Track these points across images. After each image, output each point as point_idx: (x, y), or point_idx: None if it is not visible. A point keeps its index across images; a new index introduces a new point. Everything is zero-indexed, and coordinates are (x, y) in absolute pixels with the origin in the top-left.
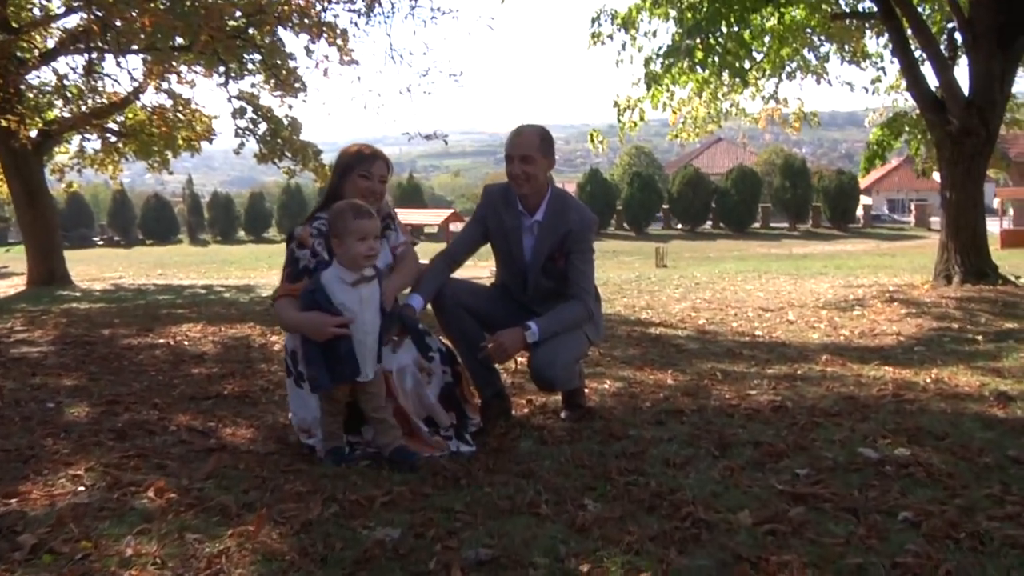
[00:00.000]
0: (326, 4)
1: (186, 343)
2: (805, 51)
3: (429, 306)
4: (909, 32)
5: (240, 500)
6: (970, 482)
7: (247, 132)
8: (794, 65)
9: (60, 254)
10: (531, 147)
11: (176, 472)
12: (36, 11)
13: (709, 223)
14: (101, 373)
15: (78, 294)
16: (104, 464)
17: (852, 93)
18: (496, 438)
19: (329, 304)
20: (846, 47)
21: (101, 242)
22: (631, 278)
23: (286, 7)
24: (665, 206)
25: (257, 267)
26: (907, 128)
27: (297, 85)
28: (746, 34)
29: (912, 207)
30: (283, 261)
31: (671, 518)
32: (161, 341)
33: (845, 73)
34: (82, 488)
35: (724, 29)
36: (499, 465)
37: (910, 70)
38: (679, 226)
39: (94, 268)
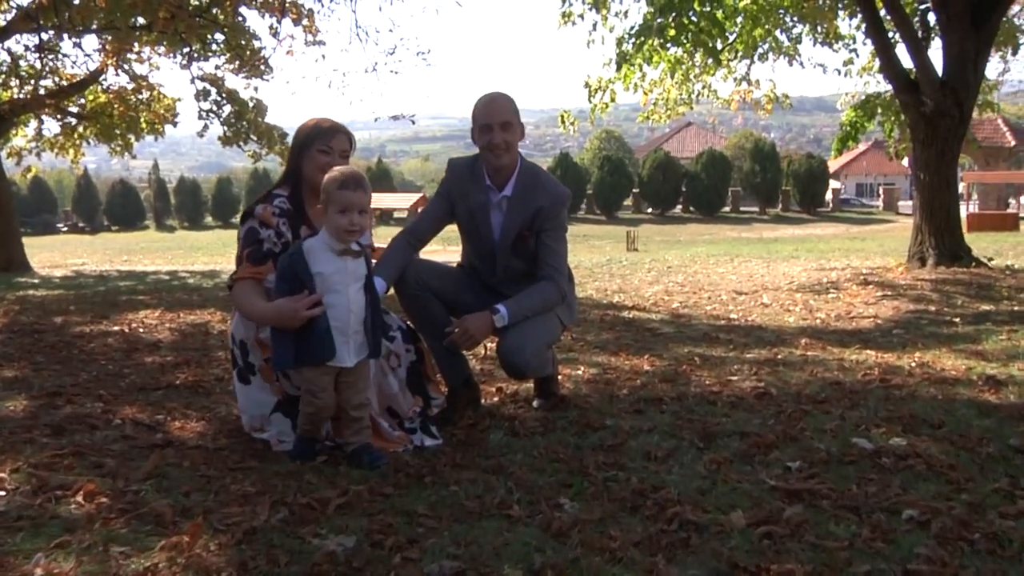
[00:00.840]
0: None
1: (141, 331)
2: (778, 32)
3: (392, 289)
4: (883, 12)
5: (179, 504)
6: (975, 475)
7: (211, 115)
8: (766, 46)
9: (18, 240)
10: (509, 112)
11: (113, 472)
12: None
13: (679, 207)
14: (47, 363)
15: (36, 281)
16: (33, 464)
17: (824, 75)
18: (464, 430)
19: (306, 274)
20: (819, 28)
21: (65, 228)
22: (602, 261)
23: None
24: (635, 190)
25: (224, 253)
26: (880, 110)
27: (262, 67)
28: (719, 14)
29: (880, 191)
30: (244, 232)
31: (656, 520)
32: (115, 329)
33: (817, 55)
34: (2, 494)
35: (696, 8)
36: (467, 460)
37: (884, 51)
38: (649, 210)
39: (57, 255)
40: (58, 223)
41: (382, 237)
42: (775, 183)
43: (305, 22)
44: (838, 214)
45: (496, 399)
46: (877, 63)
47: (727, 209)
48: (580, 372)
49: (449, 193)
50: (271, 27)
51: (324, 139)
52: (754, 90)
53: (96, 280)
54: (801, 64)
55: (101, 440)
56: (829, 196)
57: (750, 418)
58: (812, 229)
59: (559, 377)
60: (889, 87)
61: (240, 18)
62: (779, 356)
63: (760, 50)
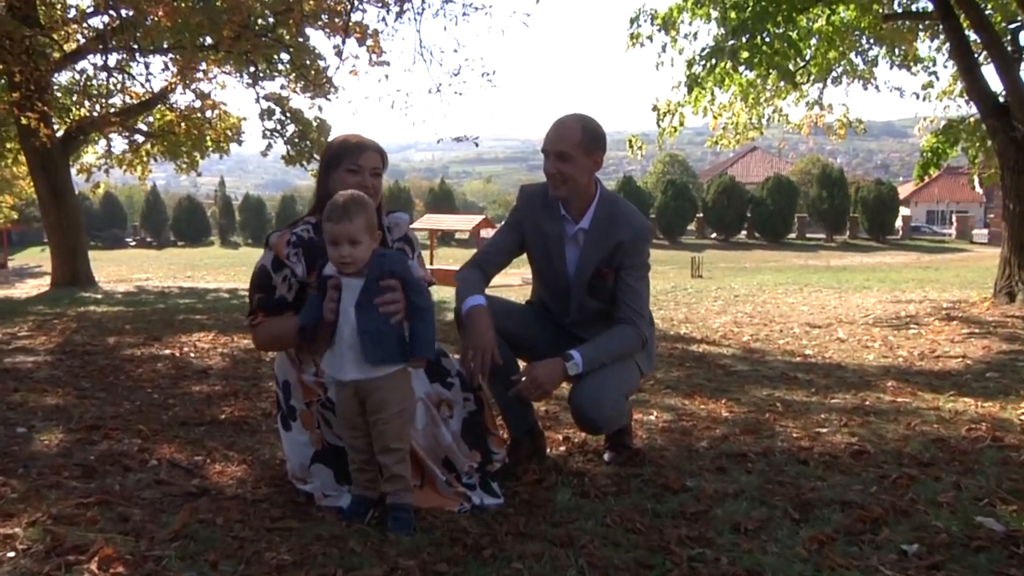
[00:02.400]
0: (356, 3)
1: (192, 355)
2: (852, 55)
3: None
4: (969, 32)
5: None
6: None
7: (274, 134)
8: (840, 69)
9: (84, 255)
10: (570, 142)
11: (138, 528)
12: (66, 10)
13: (744, 233)
14: (92, 390)
15: (99, 296)
16: (53, 516)
17: (901, 99)
18: (528, 487)
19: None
20: (896, 50)
21: (133, 243)
22: (667, 289)
23: (312, 2)
24: (699, 215)
25: None
26: (964, 135)
27: (327, 86)
28: (793, 35)
29: (953, 219)
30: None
31: None
32: (166, 352)
33: (894, 78)
34: (12, 554)
35: (771, 29)
36: (532, 527)
37: (969, 73)
38: (713, 235)
39: (124, 269)
40: (127, 238)
41: (443, 258)
42: (843, 209)
43: (370, 42)
44: (908, 242)
45: (563, 448)
46: (959, 86)
47: (793, 235)
48: (653, 418)
49: (520, 223)
50: (335, 47)
51: (352, 157)
52: (826, 114)
53: (157, 297)
54: (876, 88)
55: (132, 485)
56: (899, 223)
57: (849, 483)
58: (881, 257)
59: (632, 424)
60: (974, 111)
61: (304, 38)
62: (867, 403)
63: (834, 73)
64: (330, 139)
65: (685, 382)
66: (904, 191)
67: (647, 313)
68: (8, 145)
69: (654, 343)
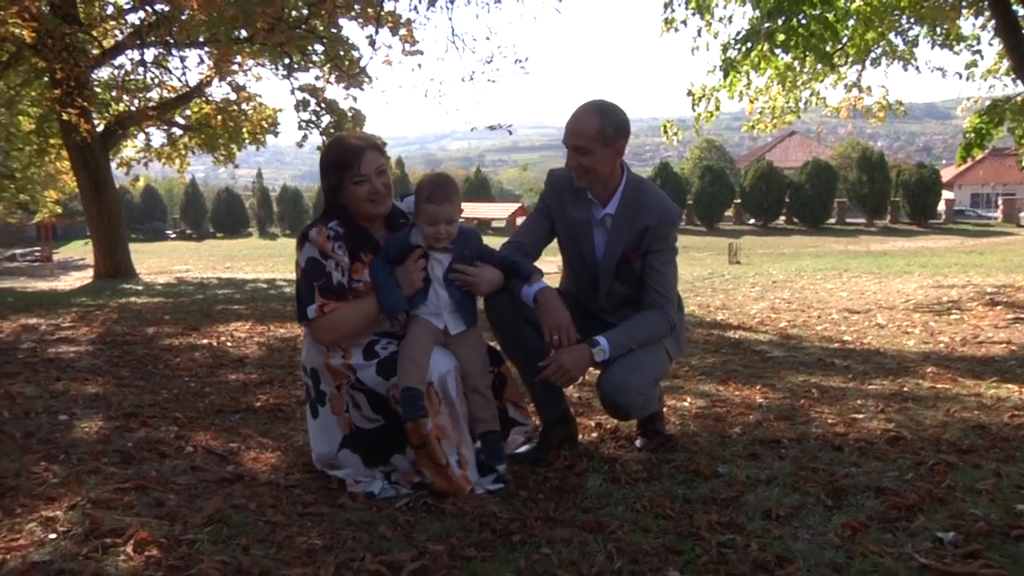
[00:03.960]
0: None
1: (229, 344)
2: (892, 35)
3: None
4: (1017, 8)
5: (235, 561)
6: None
7: (310, 125)
8: (879, 50)
9: (125, 247)
10: (586, 135)
11: (173, 513)
12: (104, 7)
13: (782, 218)
14: (131, 378)
15: (140, 288)
16: (92, 500)
17: (943, 80)
18: (558, 472)
19: (410, 247)
20: (938, 29)
21: (173, 235)
22: (703, 275)
23: None
24: (737, 201)
25: None
26: (1010, 115)
27: (361, 76)
28: (830, 16)
29: (999, 201)
30: (306, 262)
31: None
32: (204, 342)
33: (935, 58)
34: (52, 536)
35: (806, 11)
36: (561, 512)
37: (1016, 50)
38: (751, 221)
39: (164, 260)
40: (167, 230)
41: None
42: (883, 194)
43: (403, 31)
44: (951, 226)
45: (595, 435)
46: (1005, 64)
47: (832, 221)
48: (687, 404)
49: (548, 208)
50: (368, 37)
51: (352, 169)
52: (865, 97)
53: (196, 288)
54: (917, 68)
55: (168, 471)
56: (942, 207)
57: (884, 469)
58: (924, 242)
59: (664, 410)
60: (1021, 89)
61: (338, 28)
62: (905, 388)
63: (873, 55)
64: (324, 149)
65: (720, 368)
66: (948, 174)
67: (675, 297)
68: (51, 141)
69: (684, 328)
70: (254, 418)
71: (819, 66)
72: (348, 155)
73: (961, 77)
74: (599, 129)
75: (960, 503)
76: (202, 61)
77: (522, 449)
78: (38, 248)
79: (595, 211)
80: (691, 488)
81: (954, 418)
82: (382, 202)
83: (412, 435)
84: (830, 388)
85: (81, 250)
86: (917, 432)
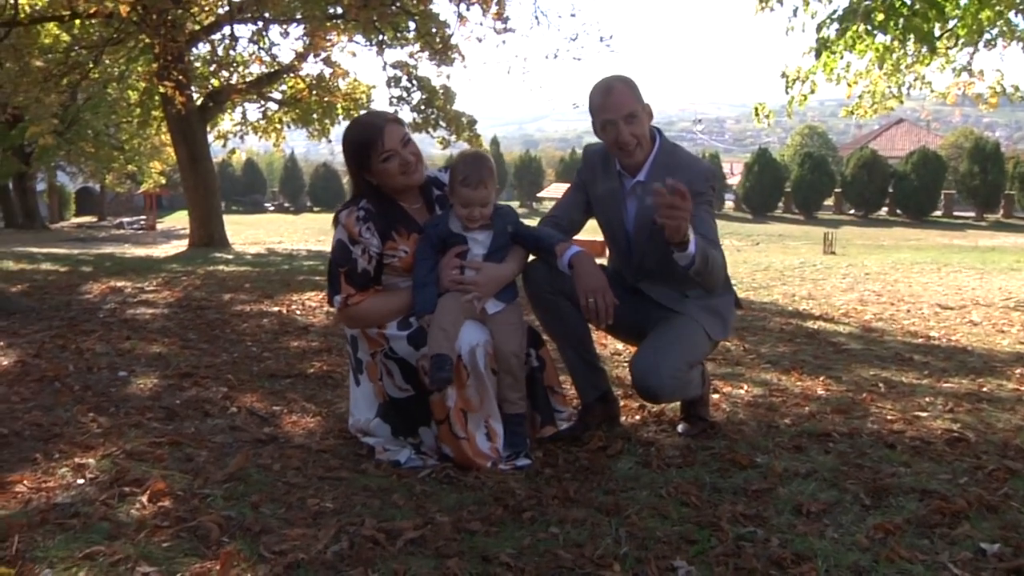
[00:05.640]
0: None
1: (299, 312)
2: (1011, 13)
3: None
4: None
5: (241, 517)
6: None
7: (401, 101)
8: (995, 31)
9: (219, 218)
10: (632, 101)
11: (198, 468)
12: None
13: (885, 209)
14: (196, 341)
15: (230, 257)
16: (127, 452)
17: None
18: (590, 453)
19: (450, 235)
20: None
21: (272, 208)
22: (794, 264)
23: None
24: (838, 190)
25: None
26: None
27: (453, 54)
28: None
29: None
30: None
31: None
32: (274, 309)
33: None
34: (80, 481)
35: None
36: (582, 493)
37: None
38: (852, 211)
39: (261, 232)
40: (266, 203)
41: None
42: (997, 186)
43: (495, 8)
44: None
45: (638, 417)
46: None
47: (938, 213)
48: (742, 392)
49: (583, 183)
50: (457, 13)
51: (376, 148)
52: (976, 81)
53: (284, 259)
54: None
55: (207, 429)
56: None
57: (936, 471)
58: None
59: (714, 397)
60: None
61: (429, 3)
62: (984, 389)
63: (987, 36)
64: (344, 134)
65: (788, 357)
66: None
67: (719, 242)
68: (154, 113)
69: (732, 309)
70: (303, 383)
71: (923, 49)
72: (370, 133)
73: None
74: (634, 94)
75: (1015, 513)
76: (295, 37)
77: (562, 427)
78: (143, 217)
79: (626, 181)
80: (723, 477)
81: None
82: (416, 170)
83: (436, 409)
84: (900, 384)
85: (184, 220)
86: (984, 435)
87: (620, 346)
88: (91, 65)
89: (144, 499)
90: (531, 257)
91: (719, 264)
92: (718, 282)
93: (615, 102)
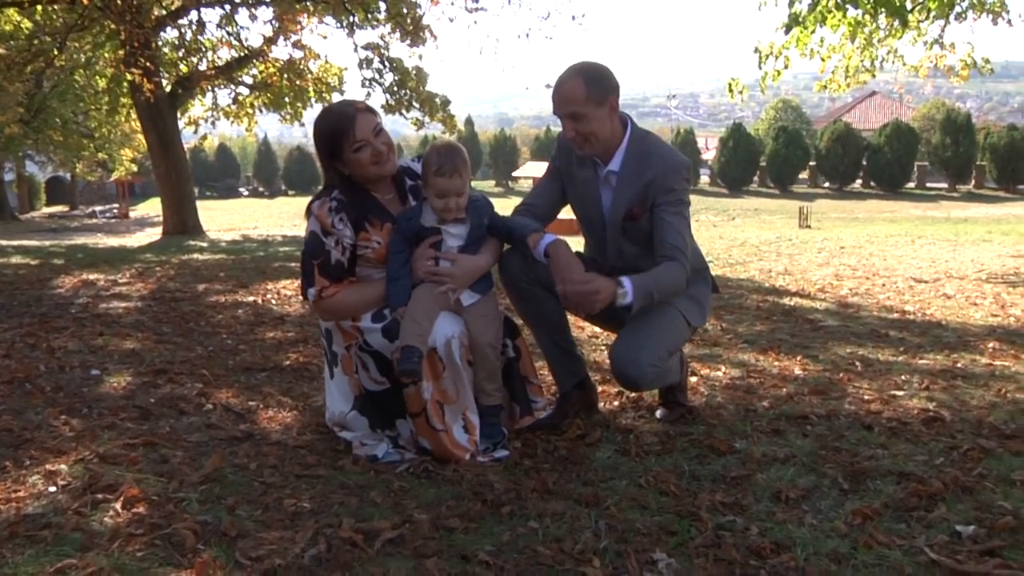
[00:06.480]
0: None
1: (274, 302)
2: None
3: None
4: None
5: (217, 520)
6: None
7: (373, 83)
8: (965, 4)
9: (193, 205)
10: (576, 100)
11: (173, 470)
12: None
13: (859, 182)
14: (171, 335)
15: (204, 245)
16: (100, 455)
17: None
18: (569, 442)
19: (422, 228)
20: None
21: (246, 192)
22: (770, 239)
23: None
24: (812, 163)
25: None
26: None
27: (424, 34)
28: None
29: None
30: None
31: None
32: (249, 299)
33: None
34: (52, 489)
35: None
36: (561, 484)
37: None
38: (826, 185)
39: (236, 218)
40: (240, 187)
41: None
42: (968, 157)
43: None
44: None
45: (616, 403)
46: None
47: (912, 185)
48: (720, 374)
49: (557, 170)
50: None
51: (348, 138)
52: (947, 54)
53: (259, 245)
54: (1009, 23)
55: (183, 428)
56: None
57: (913, 452)
58: (1010, 209)
59: (692, 380)
60: None
61: None
62: (959, 365)
63: (958, 8)
64: (315, 123)
65: (766, 336)
66: None
67: (688, 250)
68: (123, 100)
69: (707, 294)
70: (279, 376)
71: (895, 22)
72: (341, 123)
73: None
74: (587, 92)
75: (989, 494)
76: (266, 20)
77: (540, 415)
78: (116, 205)
79: (599, 169)
80: (702, 464)
81: (1005, 399)
82: (388, 160)
83: (412, 402)
84: (876, 361)
85: (157, 207)
86: (959, 413)
87: (597, 330)
88: (55, 52)
89: (118, 506)
90: (506, 247)
91: (673, 288)
92: (677, 293)
93: (559, 99)
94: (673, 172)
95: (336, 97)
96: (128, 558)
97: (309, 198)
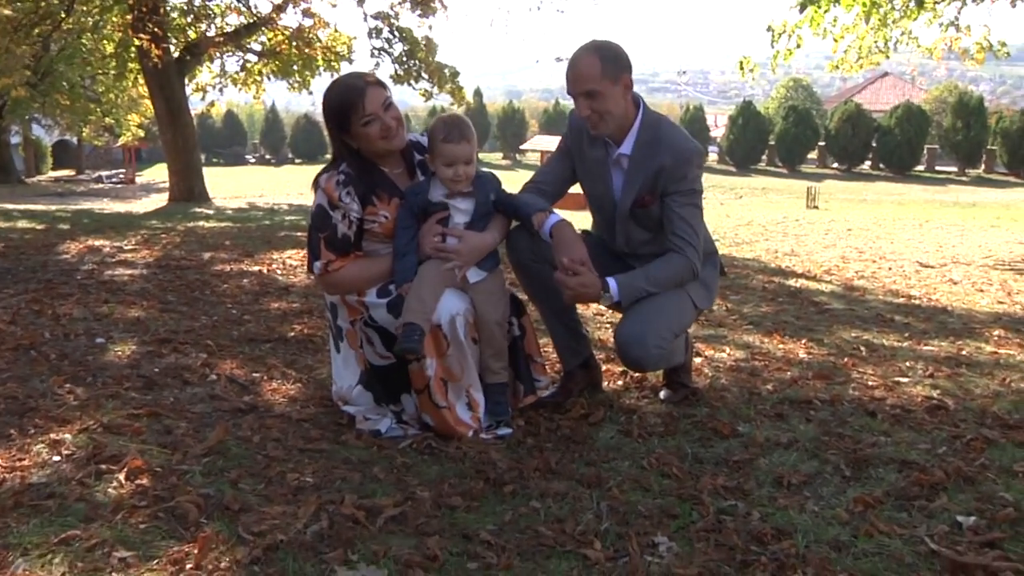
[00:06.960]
0: None
1: (279, 272)
2: None
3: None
4: None
5: (220, 494)
6: None
7: (382, 52)
8: None
9: (199, 172)
10: (592, 78)
11: (177, 442)
12: None
13: (868, 163)
14: (176, 303)
15: (210, 212)
16: (104, 425)
17: None
18: (572, 421)
19: (430, 204)
20: None
21: (253, 160)
22: (777, 219)
23: None
24: (821, 143)
25: None
26: None
27: (434, 4)
28: None
29: None
30: (314, 210)
31: None
32: (255, 269)
33: None
34: (56, 458)
35: None
36: (563, 464)
37: None
38: (835, 165)
39: (242, 185)
40: (247, 155)
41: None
42: (979, 141)
43: None
44: None
45: (620, 383)
46: None
47: (921, 168)
48: (724, 355)
49: (568, 149)
50: None
51: (357, 111)
52: (963, 37)
53: (265, 213)
54: None
55: (187, 399)
56: None
57: (915, 441)
58: (1019, 194)
59: (696, 361)
60: None
61: None
62: (963, 352)
63: None
64: (324, 95)
65: (771, 318)
66: None
67: (698, 242)
68: (130, 66)
69: (715, 278)
70: (284, 348)
71: (911, 3)
72: (351, 96)
73: None
74: (602, 69)
75: (991, 484)
76: None
77: (543, 394)
78: (123, 171)
79: (611, 150)
80: (705, 447)
81: (1009, 388)
82: (396, 135)
83: (415, 378)
84: (881, 347)
85: (163, 173)
86: (963, 402)
87: (603, 308)
88: (63, 15)
89: (121, 477)
90: (514, 224)
91: (674, 281)
92: (680, 285)
93: (575, 76)
94: (684, 160)
95: (345, 66)
96: (131, 530)
97: (316, 167)
